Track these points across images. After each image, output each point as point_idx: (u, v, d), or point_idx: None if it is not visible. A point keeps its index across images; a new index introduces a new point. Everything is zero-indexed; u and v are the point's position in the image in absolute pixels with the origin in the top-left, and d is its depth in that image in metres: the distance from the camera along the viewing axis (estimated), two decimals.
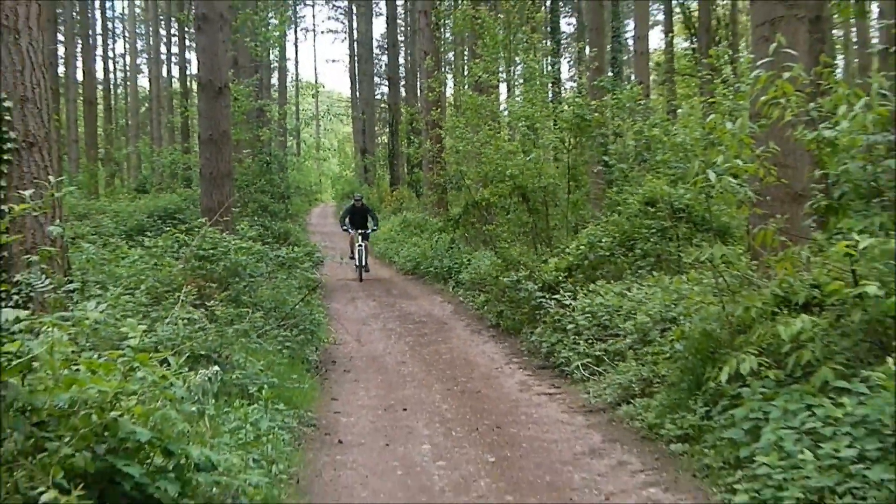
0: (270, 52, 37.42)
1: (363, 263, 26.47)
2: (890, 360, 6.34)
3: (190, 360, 8.59)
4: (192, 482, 5.20)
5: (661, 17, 47.25)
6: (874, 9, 28.14)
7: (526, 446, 9.40)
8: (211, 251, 13.45)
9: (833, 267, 8.84)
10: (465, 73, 33.98)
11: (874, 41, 31.53)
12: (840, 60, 35.44)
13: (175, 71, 59.43)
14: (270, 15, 32.35)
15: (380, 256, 30.89)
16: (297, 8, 70.54)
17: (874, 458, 6.55)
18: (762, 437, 7.64)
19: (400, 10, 56.39)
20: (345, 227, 27.52)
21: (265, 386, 10.43)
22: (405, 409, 11.19)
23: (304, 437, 9.84)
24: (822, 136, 8.70)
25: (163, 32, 60.77)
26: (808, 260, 9.35)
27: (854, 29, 36.85)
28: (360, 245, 26.55)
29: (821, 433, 7.24)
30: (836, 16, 20.80)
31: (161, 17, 59.66)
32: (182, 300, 10.89)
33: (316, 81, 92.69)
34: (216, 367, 6.85)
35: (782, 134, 9.56)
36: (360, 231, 26.85)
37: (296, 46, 74.92)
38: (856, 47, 37.41)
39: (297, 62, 72.34)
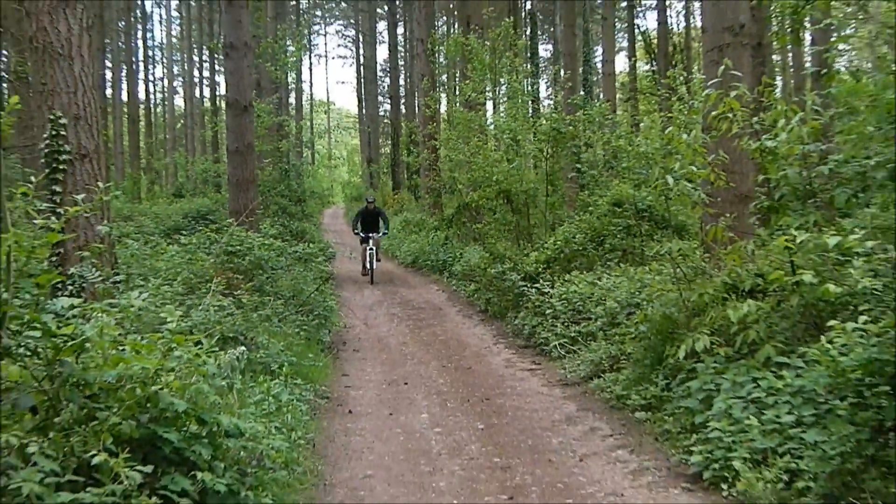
0: (288, 74, 37.28)
1: (372, 267, 22.91)
2: (823, 338, 6.36)
3: (220, 342, 8.57)
4: (222, 447, 5.21)
5: (625, 43, 47.17)
6: (807, 36, 28.20)
7: (511, 415, 9.41)
8: (238, 247, 13.44)
9: (774, 259, 8.87)
10: (457, 92, 33.86)
11: (807, 64, 31.55)
12: (779, 81, 35.43)
13: (206, 92, 59.30)
14: (288, 43, 32.26)
15: (383, 252, 30.57)
16: (311, 37, 70.29)
17: (809, 423, 6.58)
18: (714, 406, 7.67)
19: (400, 38, 56.26)
20: (356, 231, 23.58)
21: (285, 364, 10.48)
22: (406, 384, 11.19)
23: (319, 408, 9.85)
24: (764, 146, 8.71)
25: (195, 59, 60.63)
26: (752, 253, 9.37)
27: (790, 53, 36.85)
28: (370, 249, 22.88)
29: (764, 402, 7.27)
30: (774, 43, 20.82)
31: (194, 46, 59.54)
32: (213, 290, 10.89)
33: (328, 100, 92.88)
34: (242, 348, 6.84)
35: (730, 144, 9.58)
36: (370, 235, 23.07)
37: (310, 70, 74.79)
38: (792, 69, 37.38)
39: (311, 83, 72.30)
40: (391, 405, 10.14)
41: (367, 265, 23.03)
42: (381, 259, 24.47)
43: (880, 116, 8.37)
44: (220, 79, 49.84)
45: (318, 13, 71.73)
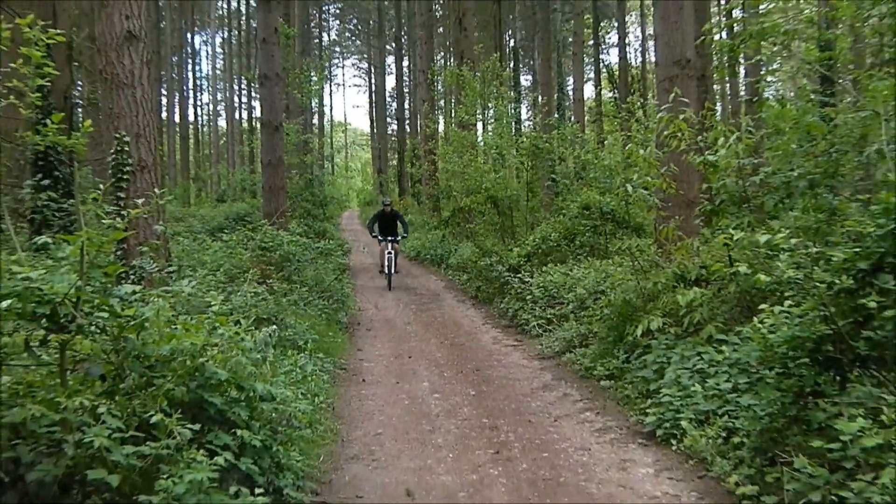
0: (312, 100, 37.21)
1: (392, 272, 19.09)
2: (755, 319, 6.37)
3: (255, 322, 8.61)
4: (257, 409, 5.23)
5: (592, 74, 47.17)
6: (742, 69, 28.25)
7: (497, 383, 9.42)
8: (270, 244, 13.47)
9: (715, 253, 8.89)
10: (453, 115, 33.92)
11: (742, 93, 31.59)
12: (718, 106, 35.44)
13: (244, 114, 59.14)
14: (312, 74, 32.21)
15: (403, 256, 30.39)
16: (332, 68, 70.20)
17: (744, 389, 6.60)
18: (665, 376, 7.69)
19: (405, 69, 56.16)
20: (374, 234, 19.60)
21: (309, 340, 10.50)
22: (410, 357, 11.19)
23: (338, 378, 9.84)
24: (706, 160, 8.73)
25: (235, 87, 60.61)
26: (697, 249, 9.40)
27: (728, 84, 36.88)
28: (389, 253, 18.94)
29: (707, 372, 7.30)
30: (715, 74, 20.82)
31: (234, 76, 59.48)
32: (249, 279, 10.93)
33: (345, 121, 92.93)
34: (274, 327, 6.87)
35: (679, 158, 9.58)
36: (389, 238, 19.16)
37: (330, 96, 74.83)
38: (729, 97, 37.45)
39: (331, 107, 72.81)
40: (397, 375, 10.14)
41: (386, 270, 18.93)
42: (399, 269, 20.12)
43: (801, 136, 8.42)
44: (256, 104, 49.96)
45: (338, 49, 71.61)
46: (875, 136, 6.85)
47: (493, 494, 5.83)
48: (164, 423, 4.14)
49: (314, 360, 9.68)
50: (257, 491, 4.32)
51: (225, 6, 60.75)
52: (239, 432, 4.79)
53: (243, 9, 55.00)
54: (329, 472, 6.34)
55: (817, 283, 5.70)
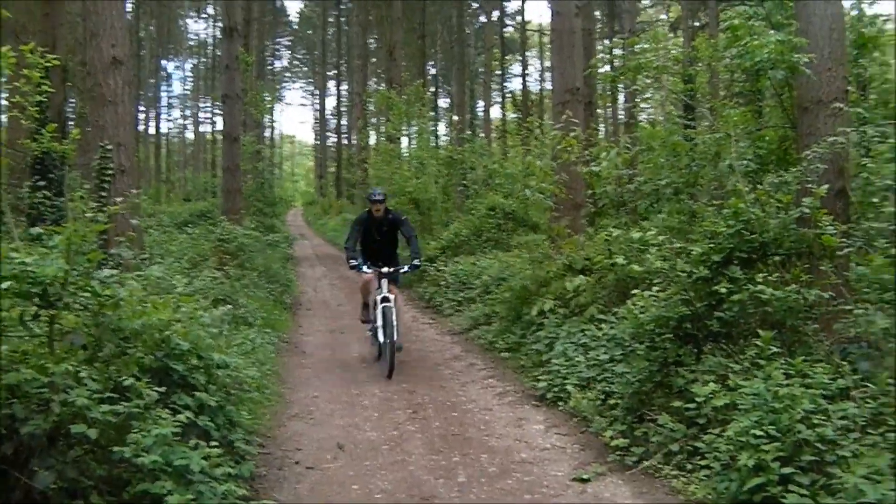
0: (265, 116, 36.67)
1: (393, 342, 8.03)
2: (629, 302, 6.45)
3: (213, 302, 8.44)
4: (214, 375, 5.22)
5: (499, 99, 47.36)
6: (621, 97, 28.80)
7: (415, 355, 9.35)
8: (227, 236, 13.20)
9: (597, 247, 8.98)
10: (382, 129, 33.76)
11: (621, 116, 32.17)
12: (602, 127, 36.01)
13: (209, 127, 58.24)
14: (266, 95, 31.75)
15: (330, 242, 30.03)
16: (282, 90, 69.08)
17: (619, 360, 6.67)
18: (555, 348, 7.75)
19: (344, 91, 55.69)
20: (354, 262, 8.67)
21: (258, 318, 10.32)
22: (342, 333, 11.09)
23: (282, 349, 9.70)
24: (591, 171, 8.82)
25: (201, 104, 59.71)
26: (583, 243, 9.49)
27: (610, 108, 37.52)
28: (384, 301, 8.29)
29: (589, 345, 7.36)
30: (600, 101, 21.14)
31: (201, 96, 58.58)
32: (209, 266, 10.75)
33: (292, 134, 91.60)
34: (229, 306, 6.78)
35: (569, 168, 9.67)
36: (384, 271, 8.55)
37: (280, 113, 73.98)
38: (611, 119, 38.10)
39: (281, 122, 71.85)
40: (332, 347, 10.04)
41: (381, 336, 8.28)
42: (401, 343, 8.44)
43: (668, 153, 8.57)
44: (218, 119, 49.00)
45: (288, 74, 70.54)
46: (727, 153, 7.00)
47: (411, 447, 5.79)
48: (135, 387, 4.18)
49: (262, 334, 9.51)
50: (212, 443, 4.33)
51: (195, 37, 59.99)
52: (198, 394, 4.81)
53: (210, 40, 54.24)
54: (274, 429, 6.28)
55: (679, 273, 5.79)
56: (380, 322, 8.23)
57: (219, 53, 41.25)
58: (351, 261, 8.65)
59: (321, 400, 7.29)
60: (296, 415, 6.78)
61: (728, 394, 4.72)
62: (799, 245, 5.65)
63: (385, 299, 8.26)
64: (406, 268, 8.84)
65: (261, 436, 5.93)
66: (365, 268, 8.62)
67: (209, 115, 58.25)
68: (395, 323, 8.06)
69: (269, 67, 58.74)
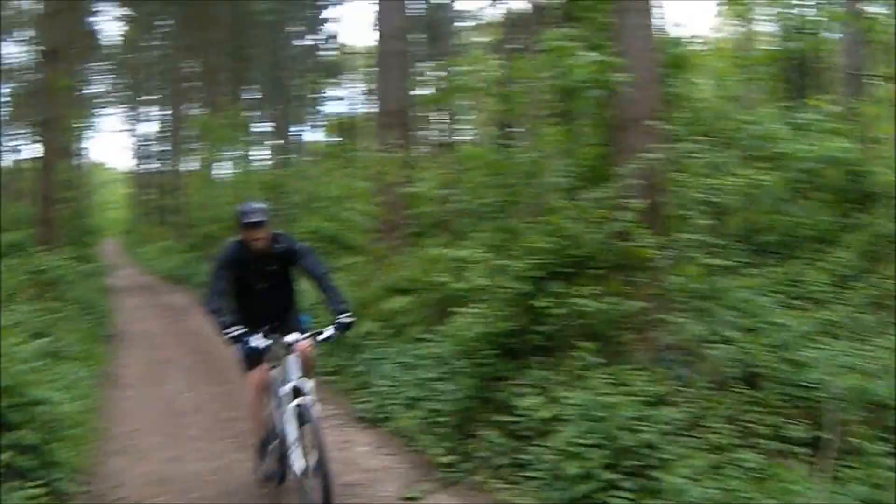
0: (81, 142, 34.76)
1: (326, 474, 4.10)
2: (448, 321, 6.45)
3: (32, 336, 7.85)
4: (34, 412, 4.97)
5: (319, 121, 47.12)
6: (442, 118, 29.61)
7: (237, 382, 8.97)
8: (43, 267, 12.22)
9: (419, 266, 8.98)
10: (202, 154, 32.91)
11: (442, 136, 33.11)
12: (422, 148, 36.68)
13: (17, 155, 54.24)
14: (83, 119, 30.19)
15: (147, 270, 28.61)
16: (98, 115, 65.36)
17: (443, 378, 6.61)
18: (379, 370, 7.62)
19: (165, 115, 53.55)
20: (234, 331, 4.56)
21: (79, 350, 9.56)
22: (164, 363, 10.52)
23: (103, 382, 9.09)
24: (411, 192, 8.83)
25: (12, 132, 55.39)
26: (404, 263, 9.46)
27: (430, 129, 38.35)
28: (294, 389, 4.51)
29: (413, 365, 7.28)
30: (420, 122, 21.51)
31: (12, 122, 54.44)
32: (24, 299, 9.99)
33: (108, 161, 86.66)
34: (48, 339, 6.37)
35: (390, 189, 9.65)
36: (288, 340, 4.62)
37: (97, 138, 69.77)
38: (432, 138, 38.95)
39: (98, 148, 67.66)
40: (154, 379, 9.59)
41: (295, 476, 4.40)
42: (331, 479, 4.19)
43: (488, 172, 8.69)
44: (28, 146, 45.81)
45: (106, 99, 66.86)
46: (544, 171, 7.18)
47: (238, 474, 5.63)
48: None
49: (82, 367, 8.83)
50: (33, 483, 4.19)
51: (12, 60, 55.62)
52: (17, 433, 4.60)
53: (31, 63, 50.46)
54: (97, 465, 5.97)
55: (500, 289, 5.84)
56: (294, 435, 4.45)
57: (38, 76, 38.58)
58: (227, 329, 4.64)
59: (143, 433, 6.97)
60: (119, 450, 6.44)
61: (552, 405, 4.78)
62: (617, 258, 5.82)
63: (298, 392, 4.54)
64: (330, 331, 4.67)
65: (84, 473, 5.62)
66: (253, 340, 4.62)
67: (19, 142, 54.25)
68: (321, 430, 4.38)
69: (87, 91, 55.46)
